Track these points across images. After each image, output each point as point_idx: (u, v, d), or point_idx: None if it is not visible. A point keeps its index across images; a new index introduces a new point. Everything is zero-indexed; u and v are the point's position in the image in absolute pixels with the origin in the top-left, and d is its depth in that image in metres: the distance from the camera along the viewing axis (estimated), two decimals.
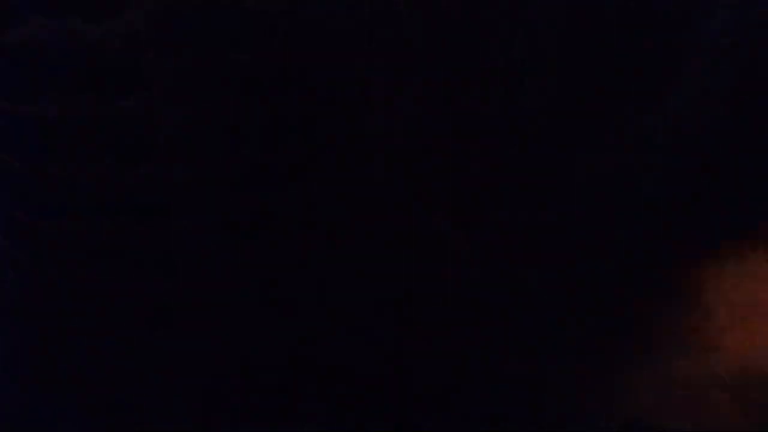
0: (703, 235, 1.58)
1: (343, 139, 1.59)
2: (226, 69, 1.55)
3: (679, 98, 1.58)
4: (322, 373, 1.57)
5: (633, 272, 1.58)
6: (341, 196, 1.58)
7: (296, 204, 1.58)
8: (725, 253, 1.56)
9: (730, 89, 1.59)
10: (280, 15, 1.54)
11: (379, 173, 1.59)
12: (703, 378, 1.55)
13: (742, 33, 1.59)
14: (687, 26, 1.58)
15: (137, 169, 1.58)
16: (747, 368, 1.54)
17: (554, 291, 1.57)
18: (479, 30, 1.57)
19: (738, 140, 1.60)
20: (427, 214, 1.59)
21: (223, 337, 1.57)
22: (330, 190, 1.58)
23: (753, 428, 1.55)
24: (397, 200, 1.58)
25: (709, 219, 1.57)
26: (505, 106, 1.58)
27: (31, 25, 1.51)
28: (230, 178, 1.58)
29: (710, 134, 1.59)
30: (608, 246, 1.57)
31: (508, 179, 1.59)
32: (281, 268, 1.58)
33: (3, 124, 1.60)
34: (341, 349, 1.58)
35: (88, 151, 1.59)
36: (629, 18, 1.59)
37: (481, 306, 1.58)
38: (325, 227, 1.58)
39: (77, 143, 1.59)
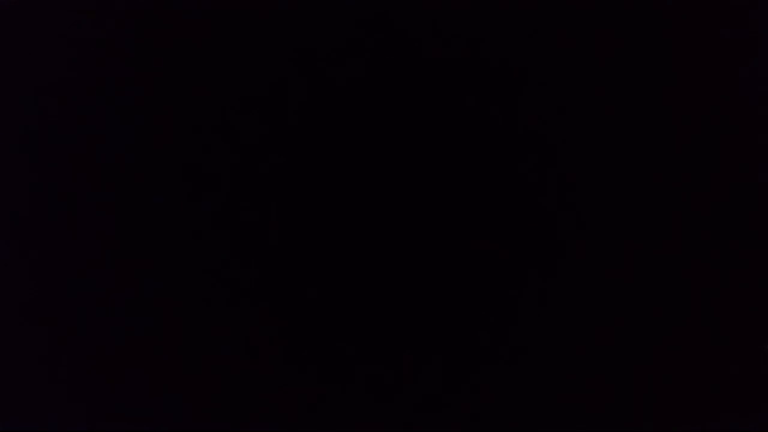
0: None
1: (341, 140, 1.60)
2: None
3: None
4: (319, 373, 1.57)
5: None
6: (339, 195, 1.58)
7: (293, 205, 1.58)
8: None
9: None
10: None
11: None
12: None
13: None
14: None
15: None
16: None
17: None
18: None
19: None
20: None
21: (223, 335, 1.57)
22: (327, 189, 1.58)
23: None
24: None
25: None
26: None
27: None
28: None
29: None
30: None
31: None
32: (280, 265, 1.58)
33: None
34: (339, 347, 1.58)
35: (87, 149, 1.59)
36: None
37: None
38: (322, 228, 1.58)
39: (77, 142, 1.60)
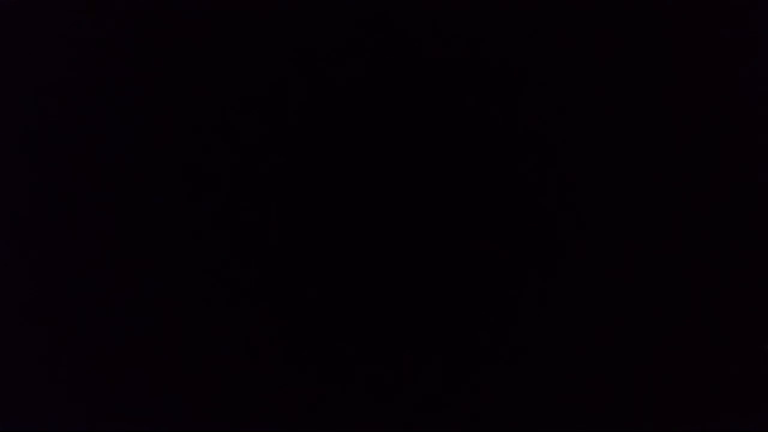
0: None
1: (340, 140, 1.60)
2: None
3: None
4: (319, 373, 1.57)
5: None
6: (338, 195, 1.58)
7: (292, 204, 1.58)
8: None
9: None
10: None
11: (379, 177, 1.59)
12: None
13: None
14: None
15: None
16: None
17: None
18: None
19: None
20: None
21: (223, 335, 1.57)
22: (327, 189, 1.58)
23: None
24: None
25: None
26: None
27: None
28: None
29: None
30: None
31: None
32: (280, 264, 1.58)
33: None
34: (339, 347, 1.58)
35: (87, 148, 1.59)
36: None
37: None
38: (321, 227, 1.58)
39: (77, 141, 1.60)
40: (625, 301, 1.57)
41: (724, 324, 1.56)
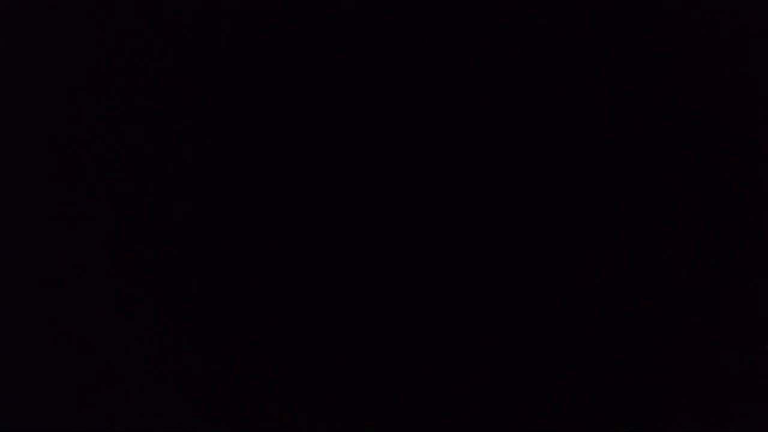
0: None
1: (339, 140, 1.60)
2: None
3: None
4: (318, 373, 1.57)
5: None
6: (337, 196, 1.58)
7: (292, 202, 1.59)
8: None
9: None
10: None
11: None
12: None
13: None
14: None
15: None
16: None
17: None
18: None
19: None
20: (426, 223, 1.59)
21: (223, 336, 1.57)
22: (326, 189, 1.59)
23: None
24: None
25: None
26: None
27: None
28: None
29: None
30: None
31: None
32: (280, 264, 1.58)
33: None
34: (337, 349, 1.58)
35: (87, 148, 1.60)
36: None
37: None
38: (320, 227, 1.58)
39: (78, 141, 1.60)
40: (625, 301, 1.57)
41: (724, 324, 1.57)
